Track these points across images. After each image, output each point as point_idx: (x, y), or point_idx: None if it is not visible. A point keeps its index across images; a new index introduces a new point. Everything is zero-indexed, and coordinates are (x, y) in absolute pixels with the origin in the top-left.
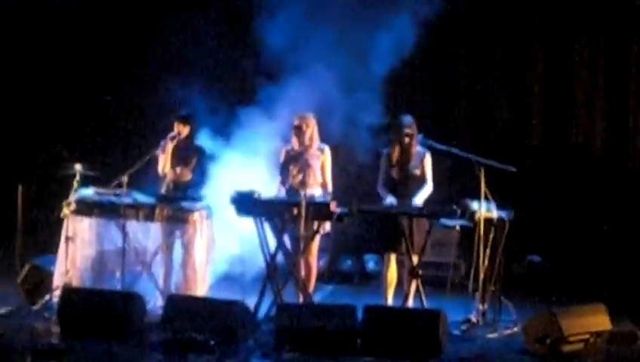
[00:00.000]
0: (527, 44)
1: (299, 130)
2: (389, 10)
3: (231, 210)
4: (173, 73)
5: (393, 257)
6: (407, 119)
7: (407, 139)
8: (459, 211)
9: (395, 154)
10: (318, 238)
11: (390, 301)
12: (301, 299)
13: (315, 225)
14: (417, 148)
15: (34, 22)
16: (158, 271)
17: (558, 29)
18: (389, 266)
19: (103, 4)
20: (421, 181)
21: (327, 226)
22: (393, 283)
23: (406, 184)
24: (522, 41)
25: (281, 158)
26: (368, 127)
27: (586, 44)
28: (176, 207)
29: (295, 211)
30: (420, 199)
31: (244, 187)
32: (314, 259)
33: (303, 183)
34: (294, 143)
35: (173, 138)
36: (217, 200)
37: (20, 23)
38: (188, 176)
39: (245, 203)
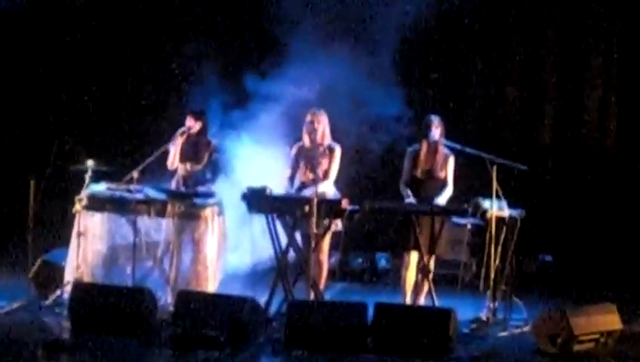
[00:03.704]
0: (540, 43)
1: (310, 127)
2: (400, 4)
3: None
4: (187, 68)
5: (413, 256)
6: (436, 118)
7: (434, 138)
8: (470, 210)
9: (422, 153)
10: (329, 236)
11: (409, 300)
12: (312, 296)
13: (327, 222)
14: (443, 150)
15: (46, 16)
16: (169, 266)
17: (571, 28)
18: (408, 266)
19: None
20: (443, 183)
21: (339, 224)
22: (412, 282)
23: (429, 185)
24: (535, 40)
25: (292, 154)
26: (381, 123)
27: (599, 43)
28: (187, 203)
29: (306, 208)
30: (441, 201)
31: (256, 183)
32: (325, 257)
33: (313, 180)
34: (305, 140)
35: (182, 133)
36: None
37: (32, 17)
38: (199, 171)
39: (257, 199)
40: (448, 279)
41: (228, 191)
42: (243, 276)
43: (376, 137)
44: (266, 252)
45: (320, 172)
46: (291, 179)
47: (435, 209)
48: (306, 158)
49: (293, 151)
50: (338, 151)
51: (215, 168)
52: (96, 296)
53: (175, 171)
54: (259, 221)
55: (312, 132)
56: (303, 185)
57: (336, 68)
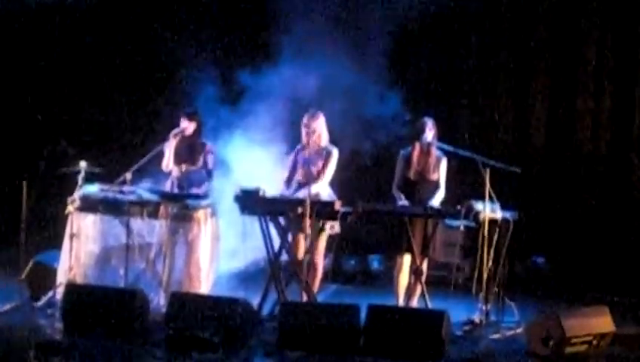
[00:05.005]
0: (533, 45)
1: (307, 128)
2: (394, 7)
3: None
4: (181, 69)
5: (406, 259)
6: (430, 121)
7: (427, 141)
8: (463, 212)
9: (415, 155)
10: (324, 237)
11: (402, 303)
12: (303, 298)
13: (320, 223)
14: (436, 152)
15: (38, 17)
16: (162, 268)
17: (563, 30)
18: (401, 268)
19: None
20: (436, 185)
21: (336, 226)
22: (405, 285)
23: (422, 186)
24: (528, 42)
25: (291, 156)
26: (375, 124)
27: (592, 45)
28: (180, 204)
29: (299, 210)
30: (434, 203)
31: (249, 184)
32: (320, 259)
33: (308, 182)
34: (303, 140)
35: (175, 135)
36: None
37: (24, 18)
38: (193, 173)
39: (249, 201)
40: (441, 281)
41: (228, 192)
42: (236, 277)
43: (370, 139)
44: (259, 253)
45: (314, 172)
46: (288, 180)
47: (428, 211)
48: (303, 159)
49: (293, 153)
50: (335, 153)
51: (210, 169)
52: (88, 298)
53: (170, 173)
54: (252, 222)
55: (309, 133)
56: (300, 186)
57: (331, 69)
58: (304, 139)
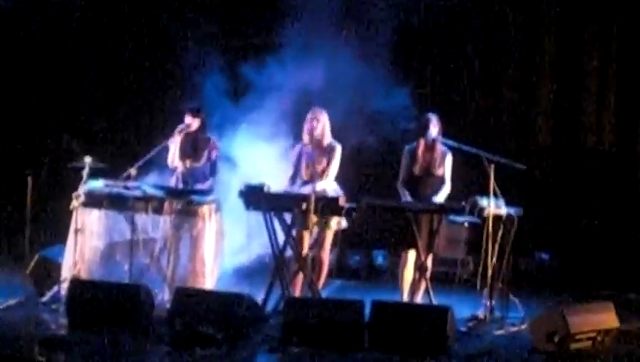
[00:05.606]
0: (538, 42)
1: (310, 125)
2: (400, 2)
3: None
4: (186, 65)
5: (411, 254)
6: (434, 117)
7: (432, 137)
8: (468, 208)
9: (420, 151)
10: (330, 234)
11: (406, 298)
12: (297, 292)
13: (325, 219)
14: (441, 148)
15: (42, 12)
16: (166, 264)
17: (568, 27)
18: (406, 263)
19: None
20: (441, 180)
21: (344, 222)
22: (410, 281)
23: (427, 182)
24: (532, 39)
25: (295, 153)
26: (380, 120)
27: (597, 42)
28: (185, 200)
29: (304, 205)
30: (439, 199)
31: (254, 180)
32: (326, 255)
33: (312, 178)
34: (305, 138)
35: (180, 131)
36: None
37: (29, 13)
38: (198, 168)
39: (254, 196)
40: (445, 277)
41: (233, 187)
42: (240, 273)
43: (374, 134)
44: (264, 249)
45: (319, 170)
46: (292, 177)
47: (432, 207)
48: (307, 157)
49: (296, 150)
50: (338, 150)
51: (214, 165)
52: (93, 293)
53: (175, 169)
54: (256, 217)
55: (312, 130)
56: (306, 184)
57: (336, 64)
58: (306, 136)
